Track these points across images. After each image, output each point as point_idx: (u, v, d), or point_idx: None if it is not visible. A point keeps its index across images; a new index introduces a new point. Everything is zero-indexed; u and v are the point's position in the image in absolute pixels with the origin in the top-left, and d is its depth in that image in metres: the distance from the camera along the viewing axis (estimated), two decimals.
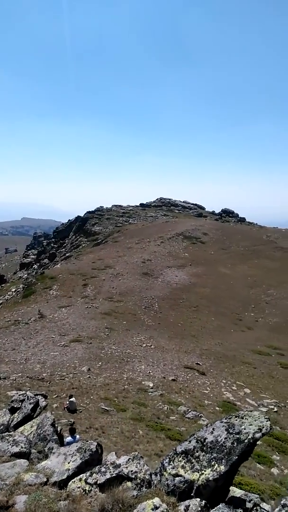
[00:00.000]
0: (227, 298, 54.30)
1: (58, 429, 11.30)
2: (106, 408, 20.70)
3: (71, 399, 20.12)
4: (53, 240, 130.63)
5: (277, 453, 19.33)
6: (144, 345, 34.73)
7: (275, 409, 25.29)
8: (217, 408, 23.56)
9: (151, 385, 25.53)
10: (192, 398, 24.58)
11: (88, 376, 25.67)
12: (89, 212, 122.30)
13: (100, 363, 28.80)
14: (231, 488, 11.16)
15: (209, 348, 36.67)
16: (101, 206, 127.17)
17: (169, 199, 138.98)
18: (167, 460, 5.62)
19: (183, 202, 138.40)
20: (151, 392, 24.29)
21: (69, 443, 12.45)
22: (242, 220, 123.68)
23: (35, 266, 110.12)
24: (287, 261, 70.41)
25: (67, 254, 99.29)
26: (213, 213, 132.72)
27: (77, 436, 14.46)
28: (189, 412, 21.69)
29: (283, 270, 65.62)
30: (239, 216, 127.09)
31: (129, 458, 5.78)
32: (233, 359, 34.13)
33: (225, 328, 44.52)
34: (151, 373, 28.03)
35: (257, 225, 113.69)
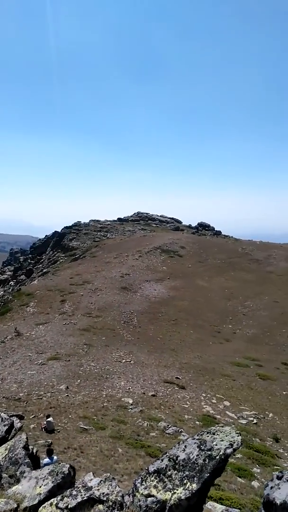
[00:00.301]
0: (205, 310, 54.59)
1: (34, 450, 11.00)
2: (84, 427, 20.31)
3: (48, 419, 19.68)
4: (30, 256, 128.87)
5: (257, 465, 19.34)
6: (123, 360, 34.41)
7: (255, 421, 25.40)
8: (197, 422, 23.47)
9: (131, 401, 25.24)
10: (172, 413, 24.42)
11: (67, 394, 25.19)
12: (66, 228, 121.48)
13: (78, 380, 28.33)
14: (212, 503, 11.08)
15: (188, 361, 36.64)
16: (78, 221, 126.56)
17: (147, 213, 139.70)
18: (139, 480, 5.53)
19: (160, 216, 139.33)
20: (131, 408, 24.00)
21: (46, 465, 12.14)
22: (218, 233, 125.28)
23: (12, 282, 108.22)
24: (262, 273, 71.58)
25: (44, 270, 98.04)
26: (189, 226, 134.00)
27: (55, 457, 14.11)
28: (169, 427, 21.51)
29: (259, 282, 66.61)
30: (215, 229, 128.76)
31: (101, 480, 5.66)
32: (212, 372, 34.17)
33: (203, 340, 44.65)
34: (131, 389, 27.74)
35: (233, 238, 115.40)
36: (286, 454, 22.26)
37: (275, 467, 19.27)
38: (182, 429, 21.64)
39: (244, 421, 25.18)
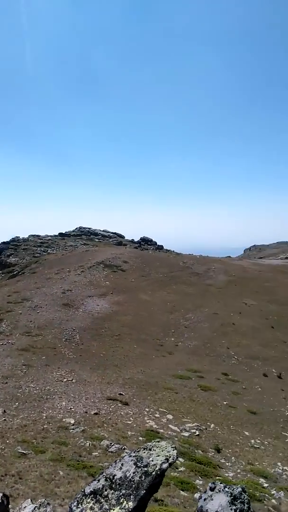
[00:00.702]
0: (148, 324, 54.92)
1: None
2: (23, 451, 19.37)
3: None
4: None
5: (199, 477, 19.56)
6: (64, 379, 33.46)
7: (197, 433, 25.74)
8: (140, 438, 23.30)
9: (73, 421, 24.53)
10: (115, 431, 24.06)
11: (4, 419, 23.92)
12: (3, 243, 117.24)
13: (17, 403, 27.05)
14: None
15: (131, 376, 36.47)
16: (16, 237, 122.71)
17: (89, 228, 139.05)
18: (75, 503, 5.35)
19: (103, 231, 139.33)
20: (73, 429, 23.32)
21: None
22: (160, 247, 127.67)
23: None
24: (202, 286, 73.73)
25: None
26: (132, 241, 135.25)
27: None
28: (112, 445, 21.15)
29: (199, 295, 68.49)
30: (157, 244, 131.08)
31: (35, 507, 5.41)
32: (155, 386, 34.27)
33: (147, 355, 44.76)
34: (73, 409, 26.98)
35: (174, 252, 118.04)
36: (227, 464, 22.75)
37: (217, 477, 19.60)
38: (125, 446, 21.37)
39: (186, 434, 25.44)
